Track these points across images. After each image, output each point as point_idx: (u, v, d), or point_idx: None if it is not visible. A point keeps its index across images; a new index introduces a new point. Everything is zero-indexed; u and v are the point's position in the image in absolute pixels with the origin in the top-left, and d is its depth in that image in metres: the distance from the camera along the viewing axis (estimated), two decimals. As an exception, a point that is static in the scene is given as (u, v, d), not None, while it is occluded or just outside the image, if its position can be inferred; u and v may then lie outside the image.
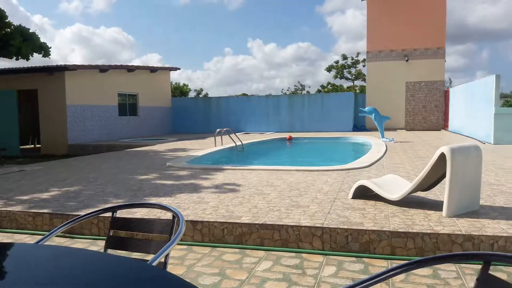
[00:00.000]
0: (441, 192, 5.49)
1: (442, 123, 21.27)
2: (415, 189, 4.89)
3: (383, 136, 14.83)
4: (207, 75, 63.45)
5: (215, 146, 13.99)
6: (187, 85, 39.98)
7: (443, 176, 4.65)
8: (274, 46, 62.89)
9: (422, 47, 22.15)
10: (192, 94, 40.37)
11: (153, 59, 59.85)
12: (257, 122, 23.84)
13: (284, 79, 64.84)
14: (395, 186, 5.27)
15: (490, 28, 56.34)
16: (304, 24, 62.44)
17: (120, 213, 2.67)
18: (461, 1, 54.26)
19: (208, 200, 5.54)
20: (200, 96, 42.06)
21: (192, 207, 5.17)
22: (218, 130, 14.33)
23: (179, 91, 36.41)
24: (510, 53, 59.03)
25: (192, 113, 24.93)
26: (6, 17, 13.45)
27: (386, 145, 12.60)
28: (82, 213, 5.07)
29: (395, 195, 4.88)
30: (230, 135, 14.28)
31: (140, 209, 4.98)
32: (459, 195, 4.44)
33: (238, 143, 13.89)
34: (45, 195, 6.25)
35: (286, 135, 19.27)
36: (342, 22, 58.54)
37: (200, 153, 12.04)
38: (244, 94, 47.06)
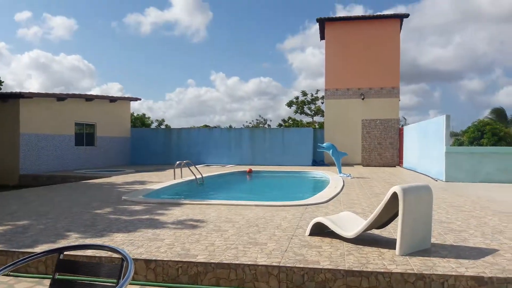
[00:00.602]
0: (395, 229, 5.63)
1: (397, 160, 22.03)
2: (370, 227, 5.00)
3: (340, 172, 15.16)
4: (169, 105, 63.16)
5: (174, 178, 13.79)
6: (149, 117, 39.55)
7: (397, 214, 4.79)
8: (237, 79, 63.85)
9: (377, 87, 23.17)
10: (153, 125, 39.89)
11: (114, 88, 59.08)
12: (219, 155, 23.80)
13: (247, 112, 65.61)
14: (351, 223, 5.36)
15: (441, 70, 59.80)
16: (265, 60, 63.97)
17: (68, 254, 2.57)
18: (413, 43, 57.52)
19: (163, 237, 5.42)
20: (161, 126, 41.64)
21: (146, 244, 5.02)
22: (178, 162, 14.18)
23: (140, 122, 35.93)
24: (461, 94, 62.72)
25: (152, 144, 24.58)
26: None
27: (343, 181, 12.87)
28: (30, 250, 4.82)
29: (350, 233, 4.96)
30: (190, 168, 14.15)
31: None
32: (411, 233, 4.58)
33: (198, 176, 13.78)
34: (-11, 230, 5.90)
35: (247, 168, 19.31)
36: (302, 59, 60.54)
37: (158, 186, 11.82)
38: (206, 126, 47.07)
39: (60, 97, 18.26)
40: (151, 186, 11.84)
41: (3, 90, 15.26)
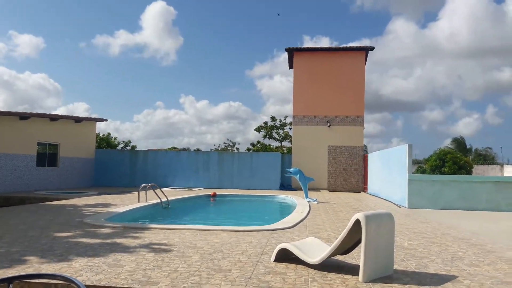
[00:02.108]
0: (359, 255, 5.69)
1: (361, 186, 22.43)
2: (334, 253, 5.03)
3: (307, 196, 15.27)
4: (136, 127, 62.26)
5: (139, 202, 13.49)
6: (115, 138, 38.81)
7: (360, 240, 4.85)
8: (206, 103, 63.91)
9: (343, 115, 23.76)
10: (120, 146, 39.14)
11: (80, 108, 57.76)
12: (186, 177, 23.53)
13: (215, 135, 65.50)
14: (315, 249, 5.38)
15: (403, 100, 62.12)
16: (234, 85, 64.60)
17: (19, 284, 2.45)
18: (376, 74, 59.74)
19: (124, 263, 5.25)
20: (128, 148, 40.90)
21: (106, 271, 4.85)
22: (143, 185, 13.90)
23: (106, 143, 35.18)
24: (422, 123, 65.11)
25: (117, 166, 24.04)
26: None
27: (309, 205, 12.96)
28: (-21, 277, 4.56)
29: (315, 259, 4.97)
30: (155, 191, 13.90)
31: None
32: (374, 260, 4.64)
33: (164, 199, 13.53)
34: None
35: (215, 191, 19.13)
36: (270, 86, 61.64)
37: (121, 209, 11.51)
38: (175, 148, 46.59)
39: (23, 116, 17.70)
40: (115, 209, 11.53)
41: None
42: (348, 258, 5.66)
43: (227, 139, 57.50)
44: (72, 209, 11.45)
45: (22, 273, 4.72)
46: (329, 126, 23.61)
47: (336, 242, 4.81)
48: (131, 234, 7.38)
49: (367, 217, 4.56)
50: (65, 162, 21.05)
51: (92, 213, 10.55)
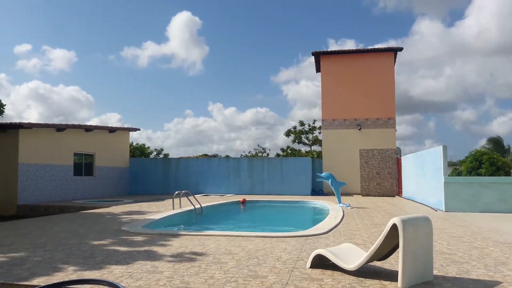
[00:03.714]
0: (397, 261, 5.59)
1: (396, 190, 21.99)
2: (371, 259, 4.97)
3: (340, 202, 15.10)
4: (167, 135, 63.27)
5: (173, 209, 13.71)
6: (149, 147, 39.62)
7: (397, 246, 4.77)
8: (234, 110, 64.35)
9: (373, 117, 23.41)
10: (153, 154, 39.95)
11: (113, 119, 59.29)
12: (217, 184, 23.73)
13: (244, 141, 65.79)
14: (352, 255, 5.33)
15: (434, 101, 60.56)
16: (260, 91, 64.91)
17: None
18: (404, 75, 58.60)
19: (162, 269, 5.36)
20: (160, 156, 41.65)
21: (145, 277, 4.97)
22: (176, 192, 14.13)
23: (139, 151, 35.96)
24: (455, 124, 63.20)
25: (150, 174, 24.53)
26: None
27: (343, 211, 12.81)
28: (27, 283, 4.76)
29: (351, 265, 4.93)
30: (189, 198, 14.09)
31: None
32: (413, 265, 4.55)
33: (197, 206, 13.70)
34: (-14, 263, 5.83)
35: (246, 197, 19.21)
36: (296, 90, 61.50)
37: (157, 216, 11.74)
38: (205, 155, 47.08)
39: (60, 128, 18.35)
40: (150, 216, 11.76)
41: (3, 121, 15.30)
42: (385, 264, 5.58)
43: (258, 145, 57.62)
44: (110, 217, 11.75)
45: (66, 279, 4.89)
46: (359, 129, 23.31)
47: (373, 247, 4.75)
48: (168, 241, 7.52)
49: (404, 222, 4.48)
50: (100, 171, 21.65)
51: (128, 220, 10.80)
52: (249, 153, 48.10)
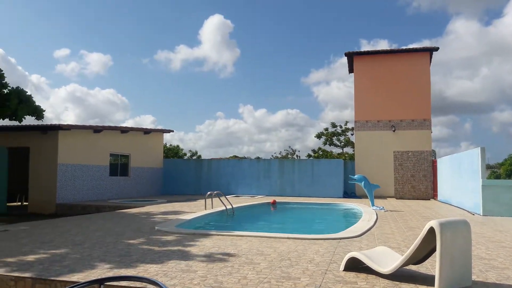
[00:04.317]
0: (433, 265, 5.46)
1: (431, 193, 21.44)
2: (406, 263, 4.87)
3: (373, 204, 14.86)
4: (199, 137, 64.17)
5: (205, 209, 13.87)
6: (182, 149, 40.30)
7: (434, 249, 4.66)
8: (264, 111, 64.52)
9: (408, 118, 22.91)
10: (186, 156, 40.63)
11: (147, 121, 60.71)
12: (248, 185, 23.83)
13: (274, 143, 65.82)
14: (386, 258, 5.24)
15: (470, 102, 58.63)
16: (291, 93, 64.75)
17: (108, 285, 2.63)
18: (439, 76, 57.05)
19: (196, 268, 5.43)
20: (194, 157, 42.29)
21: (180, 276, 5.05)
22: (209, 192, 14.29)
23: (173, 152, 36.61)
24: (493, 125, 61.00)
25: (183, 175, 24.91)
26: (4, 77, 13.68)
27: (376, 214, 12.60)
28: (66, 279, 4.93)
29: (386, 269, 4.84)
30: (221, 198, 14.22)
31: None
32: (450, 270, 4.43)
33: (229, 206, 13.81)
34: (29, 258, 6.08)
35: (277, 198, 19.19)
36: (327, 92, 61.06)
37: (189, 216, 11.91)
38: (235, 156, 47.37)
39: (97, 129, 18.92)
40: (183, 216, 11.94)
41: (43, 122, 15.90)
42: (421, 268, 5.45)
43: (288, 147, 57.48)
44: (144, 217, 12.01)
45: (104, 276, 5.03)
46: (394, 131, 22.87)
47: (409, 251, 4.65)
48: (200, 241, 7.61)
49: (442, 225, 4.37)
50: (135, 172, 22.16)
51: (162, 220, 11.01)
52: (279, 154, 48.07)
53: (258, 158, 43.42)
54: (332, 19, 57.86)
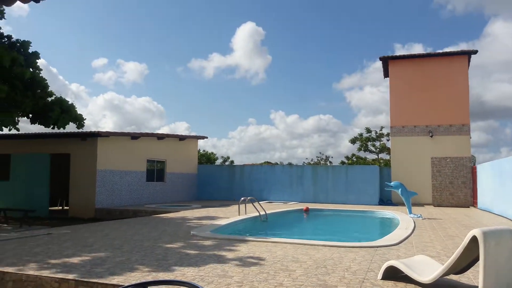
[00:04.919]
0: (475, 275, 5.29)
1: (470, 200, 20.71)
2: (447, 272, 4.73)
3: (410, 212, 14.50)
4: (232, 143, 64.72)
5: (239, 214, 13.95)
6: (215, 154, 40.76)
7: (476, 259, 4.51)
8: (296, 117, 64.32)
9: (446, 124, 22.27)
10: (219, 161, 41.11)
11: (181, 127, 61.86)
12: (281, 191, 23.76)
13: (306, 149, 65.40)
14: (426, 267, 5.11)
15: (510, 106, 56.20)
16: (323, 98, 64.34)
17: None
18: (477, 79, 55.09)
19: (232, 274, 5.47)
20: (226, 163, 42.69)
21: (216, 281, 5.10)
22: (242, 198, 14.36)
23: (206, 158, 37.08)
24: (535, 131, 58.23)
25: (216, 180, 25.14)
26: (48, 87, 14.28)
27: (414, 222, 12.29)
28: (107, 281, 5.08)
29: (426, 278, 4.72)
30: (254, 204, 14.26)
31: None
32: (494, 281, 4.27)
33: (262, 212, 13.82)
34: (71, 260, 6.30)
35: (310, 205, 19.06)
36: (361, 97, 60.23)
37: (224, 222, 12.00)
38: (268, 162, 47.40)
39: (134, 136, 19.42)
40: (218, 221, 12.05)
41: (82, 130, 16.47)
42: (463, 278, 5.28)
43: (320, 153, 56.91)
44: (180, 221, 12.21)
45: (143, 280, 5.15)
46: (431, 136, 22.27)
47: (451, 260, 4.52)
48: (235, 246, 7.66)
49: (485, 234, 4.22)
50: (171, 177, 22.57)
51: (197, 225, 11.15)
52: (311, 160, 47.74)
53: (290, 164, 43.28)
54: (364, 24, 57.20)
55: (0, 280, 5.63)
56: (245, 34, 59.09)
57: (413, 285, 4.93)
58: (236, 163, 45.46)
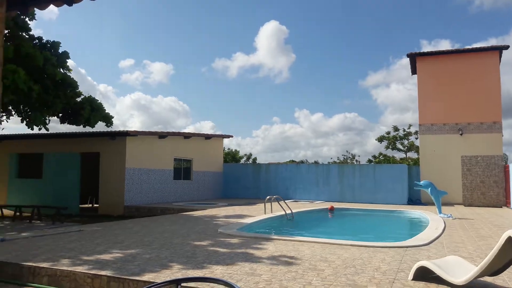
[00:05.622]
0: (510, 278, 5.14)
1: (503, 200, 20.10)
2: (481, 274, 4.61)
3: (440, 212, 14.19)
4: (256, 142, 64.82)
5: (265, 213, 13.96)
6: (238, 151, 40.95)
7: (512, 261, 4.38)
8: (321, 115, 63.81)
9: (477, 121, 21.66)
10: (243, 160, 41.24)
11: (206, 126, 62.40)
12: (306, 190, 23.65)
13: (331, 147, 64.73)
14: (459, 269, 5.00)
15: (544, 102, 54.17)
16: (348, 96, 63.51)
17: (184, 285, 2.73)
18: (508, 76, 53.30)
19: (260, 272, 5.49)
20: (249, 161, 42.79)
21: (245, 279, 5.12)
22: (268, 197, 14.36)
23: (231, 157, 37.29)
24: None
25: (242, 179, 25.24)
26: (78, 87, 14.68)
27: (444, 222, 12.03)
28: (139, 278, 5.17)
29: (460, 279, 4.62)
30: (280, 203, 14.25)
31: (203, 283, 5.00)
32: (532, 284, 4.14)
33: (288, 211, 13.80)
34: (103, 257, 6.45)
35: (336, 204, 18.90)
36: (387, 94, 59.16)
37: (250, 220, 12.05)
38: (293, 161, 47.25)
39: (162, 135, 19.72)
40: (244, 220, 12.11)
41: (111, 129, 16.85)
42: (497, 280, 5.14)
43: (347, 151, 56.31)
44: (207, 219, 12.32)
45: (173, 277, 5.23)
46: (461, 134, 21.73)
47: (485, 261, 4.41)
48: (262, 244, 7.68)
49: (523, 236, 4.10)
50: (197, 175, 22.82)
51: (224, 223, 11.23)
52: (337, 159, 47.29)
53: (316, 162, 43.04)
54: (390, 20, 56.21)
55: (36, 274, 5.82)
56: (268, 33, 59.08)
57: (444, 286, 4.83)
58: (260, 161, 45.54)
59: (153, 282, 4.89)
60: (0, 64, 2.10)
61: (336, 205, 18.94)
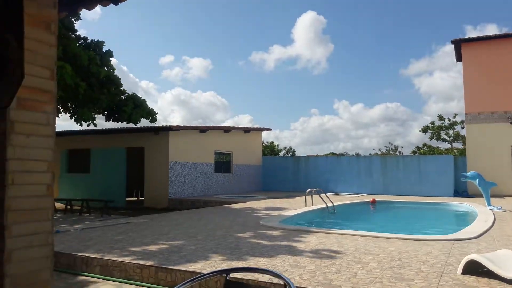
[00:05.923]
0: None
1: (559, 191, 19.02)
2: (537, 269, 4.42)
3: (489, 204, 13.63)
4: (294, 134, 64.50)
5: (306, 206, 13.93)
6: (277, 145, 40.97)
7: None
8: (361, 106, 62.49)
9: (529, 108, 20.55)
10: (282, 153, 41.24)
11: (244, 120, 62.81)
12: (347, 183, 23.33)
13: (373, 139, 63.35)
14: (511, 263, 4.80)
15: None
16: (389, 85, 61.76)
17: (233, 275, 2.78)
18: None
19: (304, 264, 5.50)
20: (289, 154, 42.71)
21: (289, 270, 5.16)
22: (308, 190, 14.31)
23: (269, 149, 37.37)
24: None
25: (281, 172, 25.23)
26: (121, 85, 15.15)
27: (493, 214, 11.56)
28: (185, 268, 5.32)
29: (513, 274, 4.44)
30: (321, 196, 14.17)
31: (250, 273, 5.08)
32: None
33: (329, 204, 13.70)
34: (150, 248, 6.68)
35: (380, 197, 18.56)
36: (430, 83, 57.01)
37: (291, 212, 12.07)
38: (332, 153, 46.71)
39: (202, 129, 20.06)
40: (285, 212, 12.14)
41: (154, 124, 17.30)
42: (554, 276, 4.89)
43: (389, 142, 54.95)
44: (248, 212, 12.45)
45: (218, 268, 5.34)
46: (511, 123, 20.71)
47: (541, 256, 4.22)
48: (304, 237, 7.68)
49: None
50: (237, 169, 23.06)
51: (265, 215, 11.31)
52: (379, 150, 46.31)
53: (357, 154, 42.34)
54: (431, 6, 54.19)
55: (89, 264, 6.11)
56: (305, 24, 58.49)
57: (497, 281, 4.66)
58: (298, 154, 45.34)
59: (200, 273, 5.02)
60: (55, 64, 2.20)
61: (379, 198, 18.60)
